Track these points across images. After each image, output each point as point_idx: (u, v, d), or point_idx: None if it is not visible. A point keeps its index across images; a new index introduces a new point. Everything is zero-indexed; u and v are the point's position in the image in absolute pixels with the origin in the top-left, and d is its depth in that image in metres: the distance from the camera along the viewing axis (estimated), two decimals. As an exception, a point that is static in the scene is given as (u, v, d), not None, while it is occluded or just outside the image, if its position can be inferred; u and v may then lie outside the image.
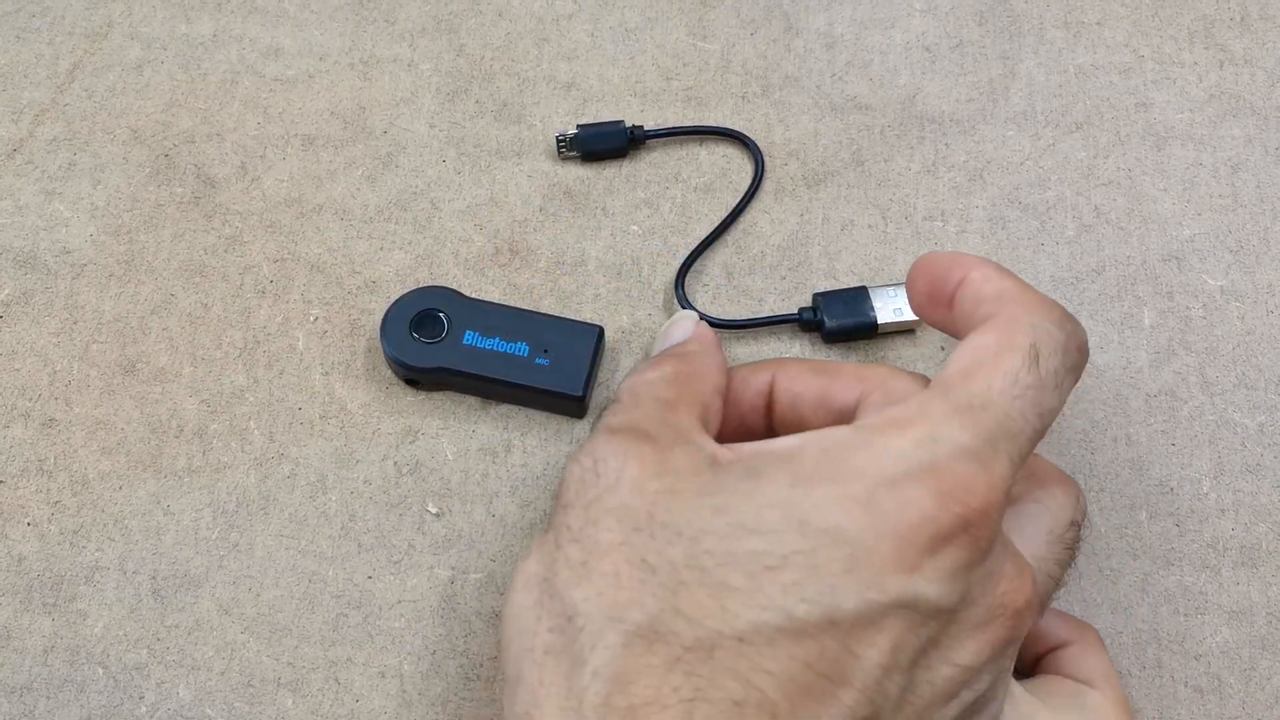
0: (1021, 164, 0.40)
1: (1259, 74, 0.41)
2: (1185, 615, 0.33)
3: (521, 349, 0.35)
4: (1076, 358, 0.26)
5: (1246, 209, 0.39)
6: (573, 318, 0.36)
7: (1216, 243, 0.38)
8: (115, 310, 0.38)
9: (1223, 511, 0.35)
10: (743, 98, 0.41)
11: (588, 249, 0.39)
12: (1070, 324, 0.26)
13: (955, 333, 0.28)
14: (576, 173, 0.40)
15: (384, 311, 0.36)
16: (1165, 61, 0.42)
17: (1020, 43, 0.42)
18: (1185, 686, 0.33)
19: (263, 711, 0.32)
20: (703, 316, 0.36)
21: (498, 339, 0.35)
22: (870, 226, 0.39)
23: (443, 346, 0.35)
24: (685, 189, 0.40)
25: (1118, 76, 0.41)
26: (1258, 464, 0.35)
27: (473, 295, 0.37)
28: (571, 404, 0.35)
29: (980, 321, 0.26)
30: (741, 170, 0.40)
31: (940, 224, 0.39)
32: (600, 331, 0.36)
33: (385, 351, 0.36)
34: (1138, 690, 0.32)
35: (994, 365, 0.25)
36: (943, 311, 0.28)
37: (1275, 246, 0.38)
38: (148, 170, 0.40)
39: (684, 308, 0.37)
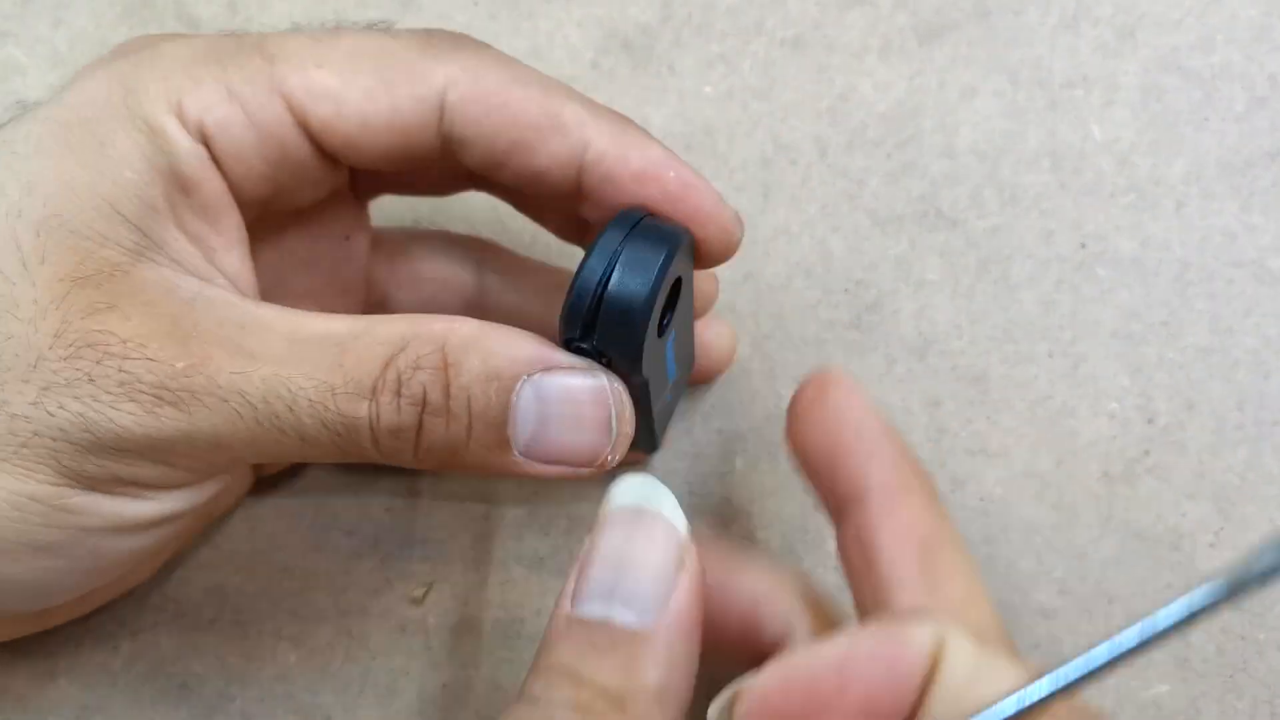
0: (1182, 20, 0.33)
1: None
2: None
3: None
4: None
5: None
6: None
7: None
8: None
9: None
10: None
11: (650, 115, 0.33)
12: None
13: None
14: (639, 18, 0.33)
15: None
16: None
17: None
18: None
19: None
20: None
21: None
22: (996, 94, 0.33)
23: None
24: (769, 42, 0.33)
25: (1306, -89, 0.34)
26: None
27: None
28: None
29: None
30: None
31: (1082, 93, 0.33)
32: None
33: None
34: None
35: None
36: None
37: None
38: (119, 8, 0.35)
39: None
